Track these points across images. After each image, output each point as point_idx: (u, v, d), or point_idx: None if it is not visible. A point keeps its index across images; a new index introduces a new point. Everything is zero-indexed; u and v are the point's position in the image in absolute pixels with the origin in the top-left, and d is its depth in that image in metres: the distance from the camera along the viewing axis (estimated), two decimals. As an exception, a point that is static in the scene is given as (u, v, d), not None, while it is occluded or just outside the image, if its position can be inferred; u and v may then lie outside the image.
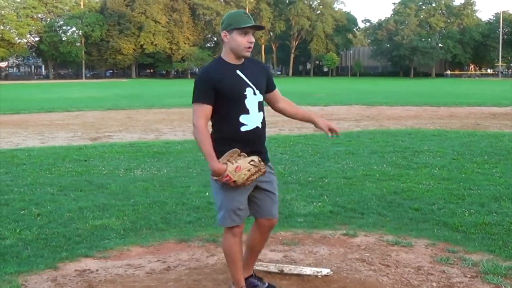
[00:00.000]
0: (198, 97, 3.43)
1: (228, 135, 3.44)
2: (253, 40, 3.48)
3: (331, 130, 3.73)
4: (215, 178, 3.40)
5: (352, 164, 9.00)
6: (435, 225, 5.46)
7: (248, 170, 3.39)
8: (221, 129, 3.46)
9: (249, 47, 3.46)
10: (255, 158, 3.44)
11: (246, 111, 3.46)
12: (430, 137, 12.40)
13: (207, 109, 3.41)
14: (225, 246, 3.64)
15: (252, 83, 3.50)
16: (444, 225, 5.47)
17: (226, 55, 3.51)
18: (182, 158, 9.75)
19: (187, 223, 5.61)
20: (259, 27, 3.54)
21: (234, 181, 3.37)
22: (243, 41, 3.43)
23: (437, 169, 8.46)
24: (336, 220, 5.70)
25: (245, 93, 3.46)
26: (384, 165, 8.81)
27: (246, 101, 3.46)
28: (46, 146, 11.63)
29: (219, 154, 3.40)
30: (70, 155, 10.08)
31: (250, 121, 3.47)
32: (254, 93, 3.49)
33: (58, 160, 9.57)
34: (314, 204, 6.33)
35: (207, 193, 6.84)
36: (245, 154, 3.44)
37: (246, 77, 3.49)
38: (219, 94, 3.40)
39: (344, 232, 5.26)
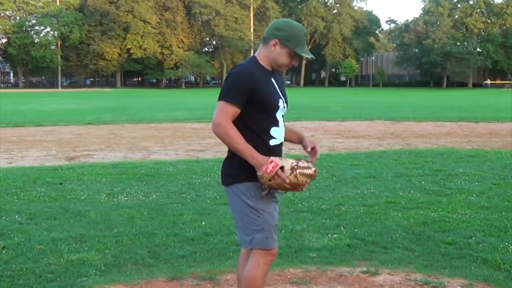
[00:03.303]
0: (232, 95, 3.46)
1: (256, 148, 3.47)
2: (297, 64, 3.68)
3: (313, 150, 3.81)
4: (260, 174, 3.41)
5: (374, 189, 9.00)
6: (473, 262, 5.44)
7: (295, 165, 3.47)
8: (250, 141, 3.47)
9: (288, 68, 3.66)
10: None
11: (277, 124, 3.62)
12: (466, 158, 12.39)
13: (235, 112, 3.46)
14: (253, 276, 3.58)
15: (282, 94, 3.66)
16: (483, 262, 5.45)
17: (263, 60, 3.61)
18: (174, 181, 9.76)
19: (180, 258, 5.60)
20: (310, 59, 3.72)
21: (282, 167, 3.40)
22: (287, 61, 3.61)
23: (474, 195, 8.44)
24: (355, 255, 5.69)
25: (278, 104, 3.61)
26: (412, 191, 8.81)
27: (278, 113, 3.62)
28: (14, 167, 11.66)
29: (242, 169, 3.49)
30: (43, 177, 10.11)
31: (279, 134, 3.64)
32: (283, 106, 3.66)
33: (28, 183, 9.59)
34: (329, 236, 6.32)
35: (203, 223, 6.85)
36: None
37: (278, 86, 3.65)
38: (255, 100, 3.48)
39: (364, 269, 5.25)
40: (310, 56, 3.63)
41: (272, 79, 3.62)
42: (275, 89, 3.60)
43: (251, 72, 3.49)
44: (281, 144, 3.67)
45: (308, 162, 3.54)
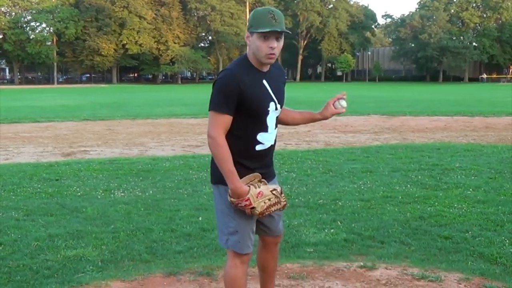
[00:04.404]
0: (219, 104, 3.39)
1: (240, 154, 3.46)
2: (275, 45, 3.41)
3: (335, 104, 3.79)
4: (232, 200, 3.42)
5: (370, 184, 9.01)
6: (469, 256, 5.45)
7: (269, 199, 3.46)
8: (233, 146, 3.43)
9: (271, 54, 3.42)
10: (278, 188, 3.53)
11: (265, 129, 3.53)
12: (462, 153, 12.40)
13: (227, 120, 3.40)
14: (231, 276, 3.63)
15: (275, 96, 3.55)
16: (479, 256, 5.46)
17: (252, 59, 3.50)
18: (171, 177, 9.76)
19: (177, 253, 5.61)
20: (282, 32, 3.42)
21: (253, 208, 3.41)
22: (263, 47, 3.39)
23: (470, 190, 8.46)
24: (352, 250, 5.70)
25: (268, 109, 3.51)
26: (408, 186, 8.82)
27: (268, 118, 3.53)
28: (10, 163, 11.65)
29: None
30: (39, 174, 10.09)
31: (267, 139, 3.56)
32: (276, 108, 3.56)
33: (25, 180, 9.58)
34: (326, 231, 6.32)
35: (199, 218, 6.85)
36: (266, 181, 3.52)
37: (270, 88, 3.53)
38: (241, 105, 3.39)
39: (361, 264, 5.25)
40: (269, 29, 3.34)
41: (264, 81, 3.50)
42: (265, 92, 3.50)
43: (234, 76, 3.38)
44: (270, 147, 3.61)
45: (281, 197, 3.53)
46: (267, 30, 3.34)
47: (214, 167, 3.59)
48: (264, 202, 3.43)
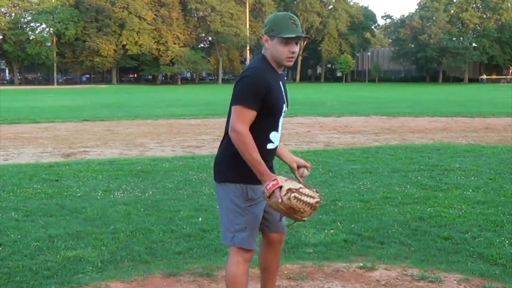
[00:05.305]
0: (249, 100, 3.44)
1: None
2: (296, 50, 3.56)
3: (300, 167, 3.89)
4: (262, 189, 3.42)
5: (370, 184, 9.01)
6: (469, 257, 5.46)
7: (297, 186, 3.42)
8: None
9: (292, 57, 3.56)
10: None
11: (276, 128, 3.64)
12: (462, 153, 12.41)
13: (253, 116, 3.46)
14: (234, 274, 3.64)
15: (286, 98, 3.67)
16: (479, 257, 5.46)
17: (271, 60, 3.60)
18: (170, 177, 9.76)
19: (176, 254, 5.61)
20: (304, 37, 3.59)
21: (281, 187, 3.35)
22: (284, 51, 3.53)
23: (470, 190, 8.46)
24: (351, 251, 5.70)
25: (282, 109, 3.62)
26: (408, 186, 8.82)
27: (280, 118, 3.63)
28: (10, 164, 11.65)
29: (233, 170, 3.54)
30: (39, 174, 10.09)
31: (276, 139, 3.66)
32: (285, 109, 3.67)
33: (24, 180, 9.58)
34: (326, 231, 6.33)
35: (199, 219, 6.85)
36: None
37: (283, 90, 3.65)
38: (264, 103, 3.47)
39: (361, 264, 5.26)
40: (294, 34, 3.50)
41: (280, 82, 3.62)
42: (282, 93, 3.61)
43: (264, 75, 3.49)
44: (276, 148, 3.70)
45: (317, 192, 3.47)
46: (292, 36, 3.48)
47: (219, 166, 3.65)
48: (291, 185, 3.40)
